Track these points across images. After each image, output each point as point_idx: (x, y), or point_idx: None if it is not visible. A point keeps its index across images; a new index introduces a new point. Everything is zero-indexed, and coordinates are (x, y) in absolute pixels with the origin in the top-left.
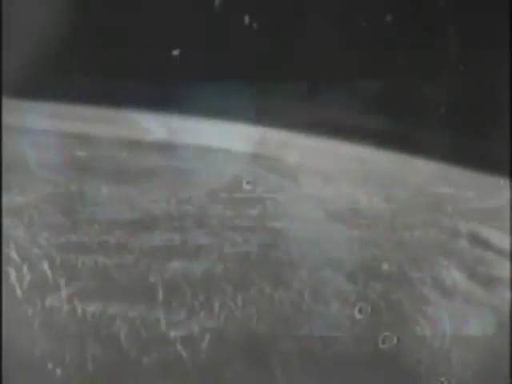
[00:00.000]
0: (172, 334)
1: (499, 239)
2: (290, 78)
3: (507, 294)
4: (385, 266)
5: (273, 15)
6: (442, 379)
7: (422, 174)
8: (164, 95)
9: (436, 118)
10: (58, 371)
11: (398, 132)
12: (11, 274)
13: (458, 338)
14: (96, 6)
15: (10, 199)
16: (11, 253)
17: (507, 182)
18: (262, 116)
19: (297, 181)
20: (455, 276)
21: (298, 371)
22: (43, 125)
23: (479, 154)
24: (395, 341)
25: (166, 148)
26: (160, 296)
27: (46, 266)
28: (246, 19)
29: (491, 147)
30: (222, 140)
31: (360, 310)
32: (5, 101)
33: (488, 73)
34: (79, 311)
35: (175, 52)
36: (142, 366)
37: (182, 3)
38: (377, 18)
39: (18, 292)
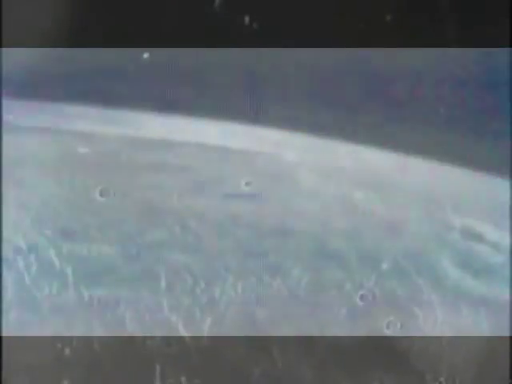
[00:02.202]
0: (174, 317)
1: (493, 234)
2: (290, 77)
3: (499, 285)
4: (380, 257)
5: (273, 15)
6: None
7: (420, 173)
8: (164, 94)
9: (436, 117)
10: (67, 350)
11: (398, 132)
12: (19, 262)
13: (452, 329)
14: (96, 6)
15: (16, 193)
16: (19, 243)
17: (507, 182)
18: (261, 115)
19: (295, 178)
20: (448, 267)
21: (295, 353)
22: (44, 123)
23: (479, 154)
24: (399, 326)
25: (166, 146)
26: (163, 283)
27: (52, 254)
28: (246, 19)
29: (491, 147)
30: (221, 139)
31: (362, 297)
32: (5, 100)
33: (488, 72)
34: (85, 296)
35: (145, 55)
36: (146, 347)
37: (181, 3)
38: (377, 18)
39: (27, 279)
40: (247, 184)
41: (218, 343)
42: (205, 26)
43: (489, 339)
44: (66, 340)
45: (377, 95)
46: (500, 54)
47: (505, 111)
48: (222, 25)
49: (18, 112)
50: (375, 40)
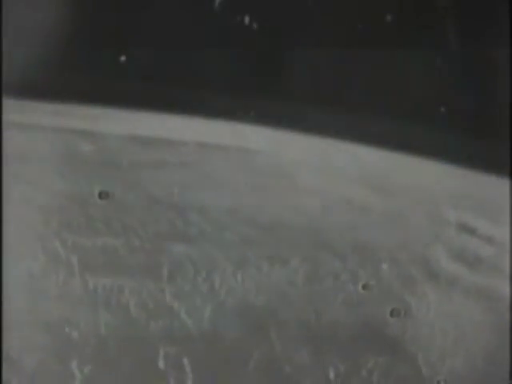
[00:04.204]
0: (176, 304)
1: (487, 229)
2: (290, 77)
3: (491, 276)
4: (376, 249)
5: (273, 15)
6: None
7: (419, 172)
8: (164, 94)
9: (436, 118)
10: (74, 334)
11: (398, 132)
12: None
13: (449, 320)
14: (96, 6)
15: (20, 188)
16: (23, 237)
17: (503, 180)
18: (261, 115)
19: (294, 176)
20: (442, 259)
21: (293, 337)
22: (44, 123)
23: (479, 154)
24: (402, 313)
25: (166, 145)
26: (165, 272)
27: (58, 245)
28: (246, 19)
29: (491, 147)
30: (221, 138)
31: (364, 286)
32: (5, 100)
33: (488, 73)
34: (91, 284)
35: (123, 58)
36: (150, 332)
37: (181, 3)
38: (377, 18)
39: (34, 268)
40: (247, 183)
41: (218, 328)
42: (205, 26)
43: (488, 339)
44: (73, 324)
45: (376, 95)
46: (500, 54)
47: (505, 111)
48: (221, 25)
49: (19, 112)
50: (375, 40)
